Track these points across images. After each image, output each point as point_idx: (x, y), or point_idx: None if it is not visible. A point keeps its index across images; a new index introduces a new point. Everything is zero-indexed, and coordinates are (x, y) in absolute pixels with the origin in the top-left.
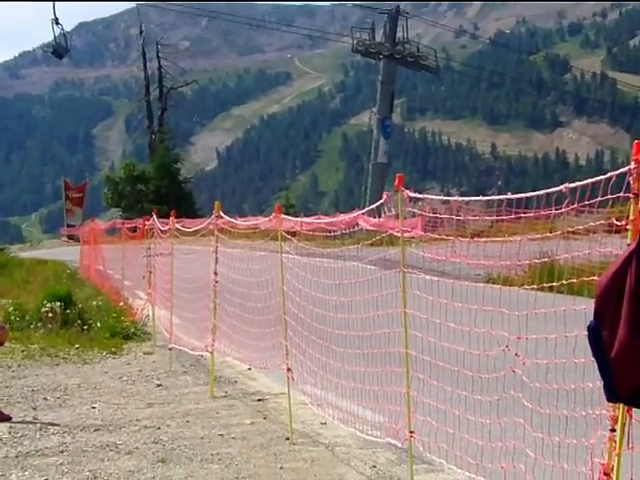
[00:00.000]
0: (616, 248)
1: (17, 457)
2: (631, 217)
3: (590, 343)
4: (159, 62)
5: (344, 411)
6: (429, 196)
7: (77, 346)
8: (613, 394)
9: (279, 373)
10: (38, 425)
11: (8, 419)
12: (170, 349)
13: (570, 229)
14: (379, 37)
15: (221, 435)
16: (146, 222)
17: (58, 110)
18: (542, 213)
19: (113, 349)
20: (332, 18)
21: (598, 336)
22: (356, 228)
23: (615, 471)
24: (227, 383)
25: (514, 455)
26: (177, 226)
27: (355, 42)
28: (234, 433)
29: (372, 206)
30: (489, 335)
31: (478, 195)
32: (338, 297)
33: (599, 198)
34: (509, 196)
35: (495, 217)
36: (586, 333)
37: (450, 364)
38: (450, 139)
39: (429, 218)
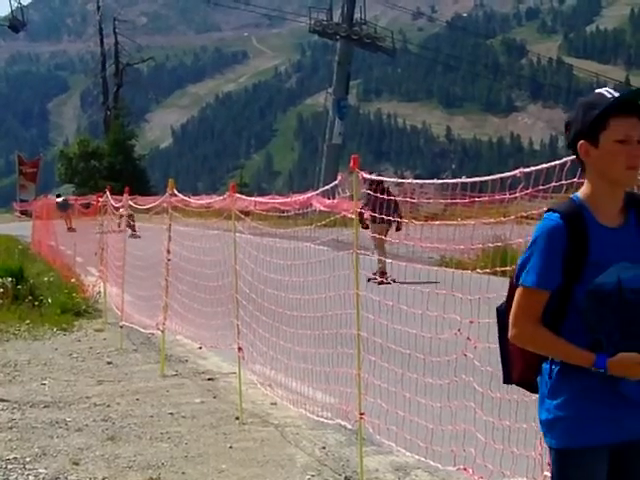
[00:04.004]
0: None
1: None
2: None
3: (497, 323)
4: (116, 38)
5: (294, 392)
6: (384, 178)
7: (28, 322)
8: (506, 377)
9: (230, 352)
10: None
11: None
12: (121, 327)
13: (524, 214)
14: (337, 18)
15: (171, 414)
16: (99, 198)
17: (13, 84)
18: (496, 197)
19: (64, 325)
20: None
21: (504, 318)
22: (310, 209)
23: None
24: (178, 362)
25: (464, 439)
26: (130, 203)
27: (312, 22)
28: (184, 412)
29: (326, 187)
30: (441, 318)
31: (432, 178)
32: (290, 277)
33: (553, 183)
34: (463, 180)
35: (449, 201)
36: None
37: (402, 347)
38: (405, 121)
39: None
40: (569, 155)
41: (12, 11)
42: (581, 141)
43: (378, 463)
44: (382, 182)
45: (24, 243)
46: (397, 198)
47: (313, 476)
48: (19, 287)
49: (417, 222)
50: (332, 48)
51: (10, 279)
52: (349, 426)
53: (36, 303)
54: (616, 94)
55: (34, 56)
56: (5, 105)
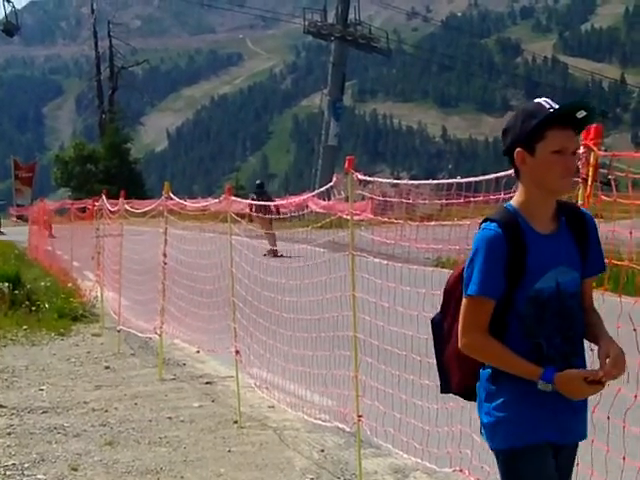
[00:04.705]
0: None
1: None
2: (579, 202)
3: (433, 335)
4: (110, 41)
5: (292, 395)
6: (379, 179)
7: (25, 327)
8: (444, 386)
9: (227, 356)
10: None
11: None
12: (118, 331)
13: None
14: (331, 18)
15: (169, 418)
16: (95, 202)
17: (8, 89)
18: (492, 197)
19: (61, 330)
20: None
21: (439, 329)
22: (306, 210)
23: None
24: (175, 366)
25: (460, 440)
26: (126, 207)
27: (307, 23)
28: (182, 416)
29: (322, 189)
30: None
31: (428, 179)
32: (287, 280)
33: None
34: (459, 180)
35: (445, 201)
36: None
37: (398, 348)
38: (401, 122)
39: (379, 201)
40: None
41: (6, 15)
42: (518, 149)
43: (377, 465)
44: (263, 187)
45: (20, 248)
46: (393, 199)
47: (312, 479)
48: (16, 292)
49: (413, 223)
50: (327, 49)
51: (7, 284)
52: (347, 428)
53: (33, 308)
54: (555, 106)
55: (28, 60)
56: (0, 109)
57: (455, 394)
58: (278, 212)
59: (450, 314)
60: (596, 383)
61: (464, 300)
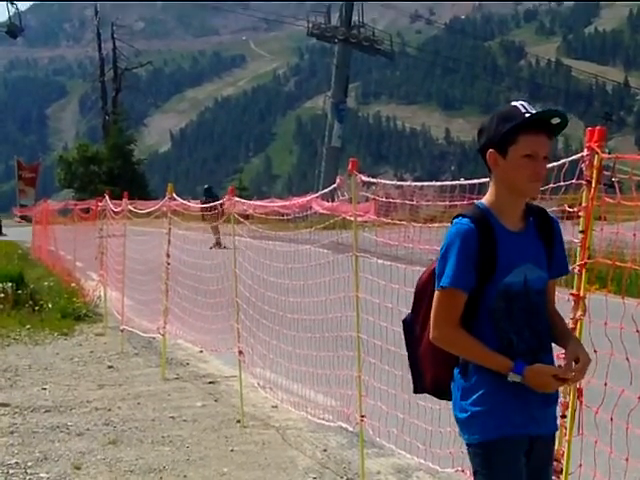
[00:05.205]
0: (568, 234)
1: None
2: (583, 204)
3: (404, 335)
4: (114, 43)
5: (295, 395)
6: (382, 181)
7: (28, 327)
8: (419, 386)
9: (231, 356)
10: None
11: None
12: (122, 331)
13: None
14: (334, 21)
15: (172, 417)
16: (99, 203)
17: (12, 90)
18: None
19: (64, 330)
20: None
21: (411, 329)
22: (309, 212)
23: (565, 457)
24: (179, 365)
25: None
26: (130, 207)
27: (310, 26)
28: (185, 415)
29: (325, 190)
30: None
31: (432, 180)
32: (290, 281)
33: (552, 185)
34: (462, 182)
35: (448, 202)
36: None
37: (401, 349)
38: (404, 124)
39: (382, 203)
40: (567, 157)
41: (10, 17)
42: (490, 150)
43: (380, 465)
44: (211, 190)
45: (24, 248)
46: (396, 200)
47: (315, 479)
48: (19, 292)
49: (416, 224)
50: (330, 51)
51: (10, 284)
52: (350, 428)
53: (36, 308)
54: (532, 110)
55: (32, 61)
56: (4, 111)
57: (429, 393)
58: (223, 210)
59: (422, 314)
60: (560, 379)
61: (436, 293)
